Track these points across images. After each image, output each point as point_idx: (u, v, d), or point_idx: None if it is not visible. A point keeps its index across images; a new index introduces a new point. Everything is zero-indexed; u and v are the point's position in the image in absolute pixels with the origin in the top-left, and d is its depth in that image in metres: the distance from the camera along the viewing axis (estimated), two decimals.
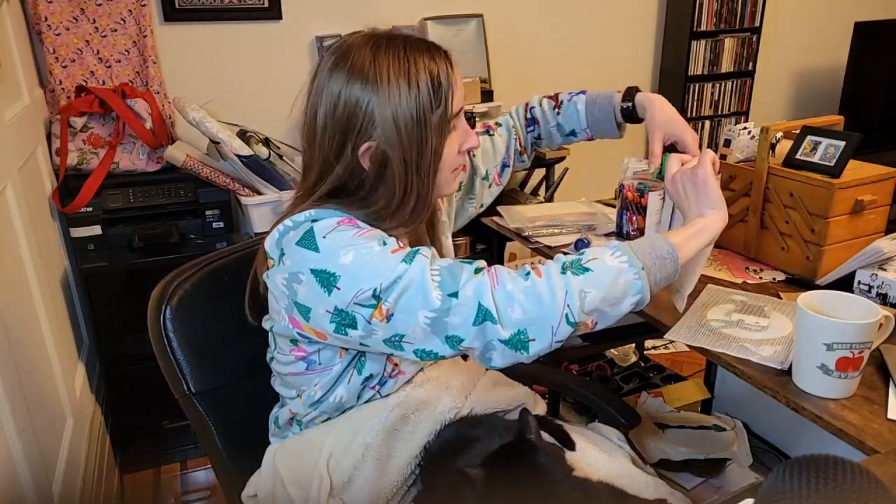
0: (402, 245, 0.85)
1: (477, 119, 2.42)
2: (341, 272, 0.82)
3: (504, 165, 1.25)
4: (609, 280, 0.80)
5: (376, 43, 0.87)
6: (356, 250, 0.82)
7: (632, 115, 1.19)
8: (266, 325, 0.97)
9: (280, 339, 0.97)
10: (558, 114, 1.24)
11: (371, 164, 0.88)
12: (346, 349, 0.92)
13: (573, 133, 1.25)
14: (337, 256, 0.82)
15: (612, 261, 0.81)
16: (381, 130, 0.85)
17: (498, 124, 1.25)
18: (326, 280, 0.82)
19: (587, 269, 0.81)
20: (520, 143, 1.26)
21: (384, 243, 0.84)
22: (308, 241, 0.84)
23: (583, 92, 1.24)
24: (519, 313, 0.79)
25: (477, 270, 0.82)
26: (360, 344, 0.85)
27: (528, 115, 1.27)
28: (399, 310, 0.80)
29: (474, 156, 1.19)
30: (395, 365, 0.97)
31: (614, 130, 1.22)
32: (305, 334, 0.89)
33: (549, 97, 1.27)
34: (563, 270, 0.81)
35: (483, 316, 0.79)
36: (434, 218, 1.10)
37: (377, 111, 0.84)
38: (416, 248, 0.84)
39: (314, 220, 0.86)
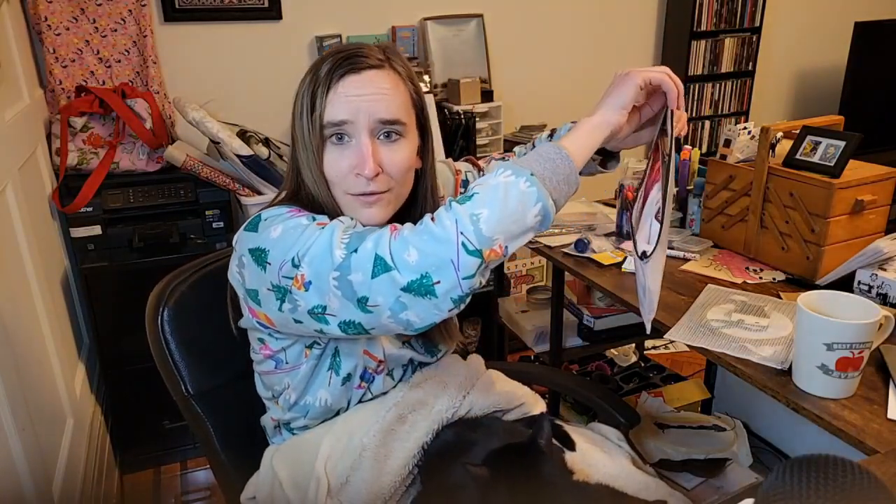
0: (340, 219, 0.86)
1: (477, 119, 2.42)
2: (269, 246, 0.84)
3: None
4: (500, 196, 0.75)
5: (334, 50, 0.91)
6: (284, 224, 0.84)
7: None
8: (241, 324, 0.98)
9: (252, 337, 0.98)
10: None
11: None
12: (311, 348, 0.93)
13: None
14: (269, 233, 0.85)
15: (497, 179, 0.77)
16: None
17: (515, 153, 1.21)
18: (260, 257, 0.84)
19: (473, 195, 0.76)
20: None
21: (314, 219, 0.85)
22: (252, 225, 0.88)
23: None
24: (415, 255, 0.74)
25: (382, 228, 0.80)
26: (295, 322, 0.84)
27: (533, 145, 1.18)
28: (313, 275, 0.79)
29: (483, 174, 1.15)
30: (381, 362, 0.97)
31: (594, 167, 1.08)
32: (263, 323, 0.90)
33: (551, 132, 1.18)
34: (450, 205, 0.77)
35: (381, 266, 0.75)
36: None
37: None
38: (342, 218, 0.86)
39: (263, 212, 0.90)
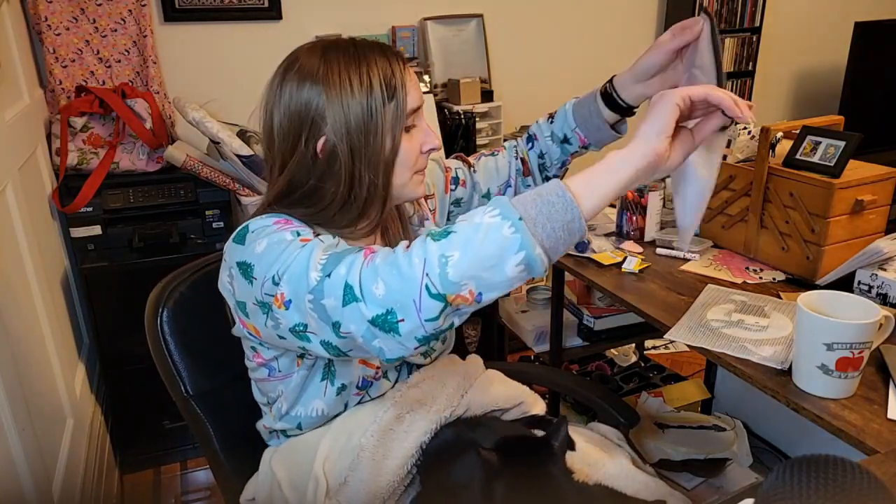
0: (320, 238, 0.83)
1: (477, 119, 2.42)
2: (255, 261, 0.83)
3: (507, 185, 1.20)
4: (477, 239, 0.68)
5: (325, 46, 0.89)
6: (269, 239, 0.83)
7: (612, 100, 1.06)
8: (234, 332, 0.98)
9: (245, 344, 0.98)
10: (551, 122, 1.17)
11: (321, 159, 0.88)
12: (302, 357, 0.93)
13: (566, 140, 1.15)
14: (254, 247, 0.83)
15: (482, 218, 0.69)
16: (330, 124, 0.86)
17: (504, 147, 1.22)
18: (247, 271, 0.83)
19: (450, 232, 0.70)
20: (523, 163, 1.20)
21: (297, 234, 0.83)
22: (239, 237, 0.87)
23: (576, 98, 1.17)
24: (381, 288, 0.70)
25: (358, 251, 0.76)
26: (279, 337, 0.84)
27: (528, 133, 1.21)
28: (292, 294, 0.77)
29: (475, 171, 1.17)
30: (377, 368, 0.97)
31: (604, 127, 1.08)
32: (253, 334, 0.89)
33: (549, 114, 1.21)
34: (425, 239, 0.71)
35: (350, 295, 0.72)
36: (406, 228, 1.07)
37: (327, 106, 0.85)
38: (323, 237, 0.83)
39: (252, 220, 0.88)
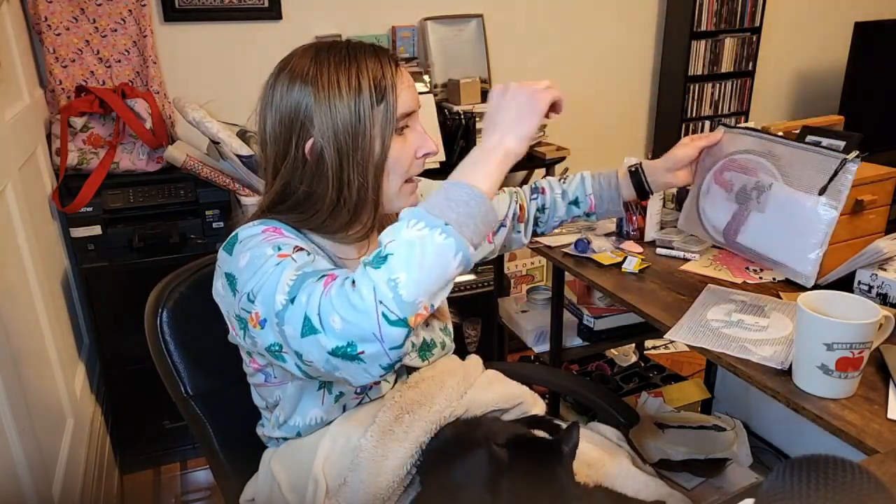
0: (298, 250, 0.82)
1: (477, 119, 2.42)
2: (238, 274, 0.82)
3: (501, 226, 1.22)
4: (416, 255, 0.69)
5: (317, 48, 0.89)
6: (252, 253, 0.82)
7: (639, 178, 1.22)
8: (229, 339, 0.98)
9: (241, 350, 0.98)
10: (563, 181, 1.27)
11: (311, 161, 0.88)
12: None
13: (576, 202, 1.25)
14: (239, 259, 0.83)
15: (409, 232, 0.71)
16: (318, 126, 0.85)
17: (504, 190, 1.25)
18: (231, 283, 0.84)
19: (387, 256, 0.70)
20: (521, 209, 1.24)
21: (278, 248, 0.81)
22: (229, 246, 0.86)
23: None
24: (339, 321, 0.69)
25: (321, 278, 0.74)
26: (259, 354, 0.83)
27: (534, 185, 1.27)
28: (266, 314, 0.77)
29: None
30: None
31: (617, 201, 1.23)
32: (243, 342, 0.89)
33: (561, 176, 1.31)
34: (364, 268, 0.71)
35: (308, 327, 0.72)
36: None
37: (315, 108, 0.85)
38: (299, 253, 0.81)
39: (243, 228, 0.88)
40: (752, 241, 1.18)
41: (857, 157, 1.06)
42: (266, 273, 0.78)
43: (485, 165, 0.79)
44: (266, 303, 0.77)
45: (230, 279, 0.84)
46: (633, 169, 1.22)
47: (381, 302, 0.68)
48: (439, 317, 1.10)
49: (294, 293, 0.74)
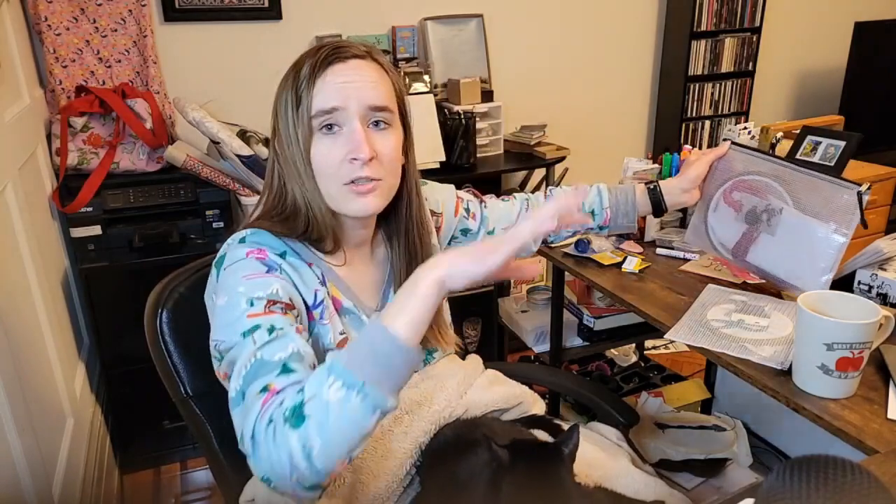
0: (269, 310, 0.79)
1: (477, 119, 2.42)
2: (213, 309, 0.83)
3: None
4: (332, 420, 0.67)
5: (312, 47, 0.89)
6: (229, 297, 0.81)
7: (657, 198, 1.22)
8: None
9: None
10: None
11: (268, 165, 0.89)
12: None
13: (592, 213, 1.23)
14: (219, 294, 0.83)
15: (327, 394, 0.68)
16: (274, 131, 0.87)
17: (515, 197, 1.25)
18: (210, 310, 0.85)
19: (304, 418, 0.67)
20: None
21: (251, 303, 0.79)
22: (218, 265, 0.86)
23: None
24: (264, 464, 0.69)
25: (264, 390, 0.72)
26: None
27: (550, 192, 1.26)
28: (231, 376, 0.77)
29: (485, 206, 1.18)
30: None
31: (631, 216, 1.23)
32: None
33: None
34: (284, 422, 0.68)
35: (242, 441, 0.72)
36: (424, 240, 1.03)
37: (275, 112, 0.87)
38: (275, 318, 0.78)
39: (234, 242, 0.87)
40: (762, 260, 1.18)
41: (868, 188, 1.06)
42: (235, 334, 0.78)
43: (411, 304, 0.71)
44: (230, 368, 0.78)
45: (209, 307, 0.84)
46: (651, 187, 1.23)
47: (295, 467, 0.67)
48: (444, 347, 1.06)
49: (245, 386, 0.74)
